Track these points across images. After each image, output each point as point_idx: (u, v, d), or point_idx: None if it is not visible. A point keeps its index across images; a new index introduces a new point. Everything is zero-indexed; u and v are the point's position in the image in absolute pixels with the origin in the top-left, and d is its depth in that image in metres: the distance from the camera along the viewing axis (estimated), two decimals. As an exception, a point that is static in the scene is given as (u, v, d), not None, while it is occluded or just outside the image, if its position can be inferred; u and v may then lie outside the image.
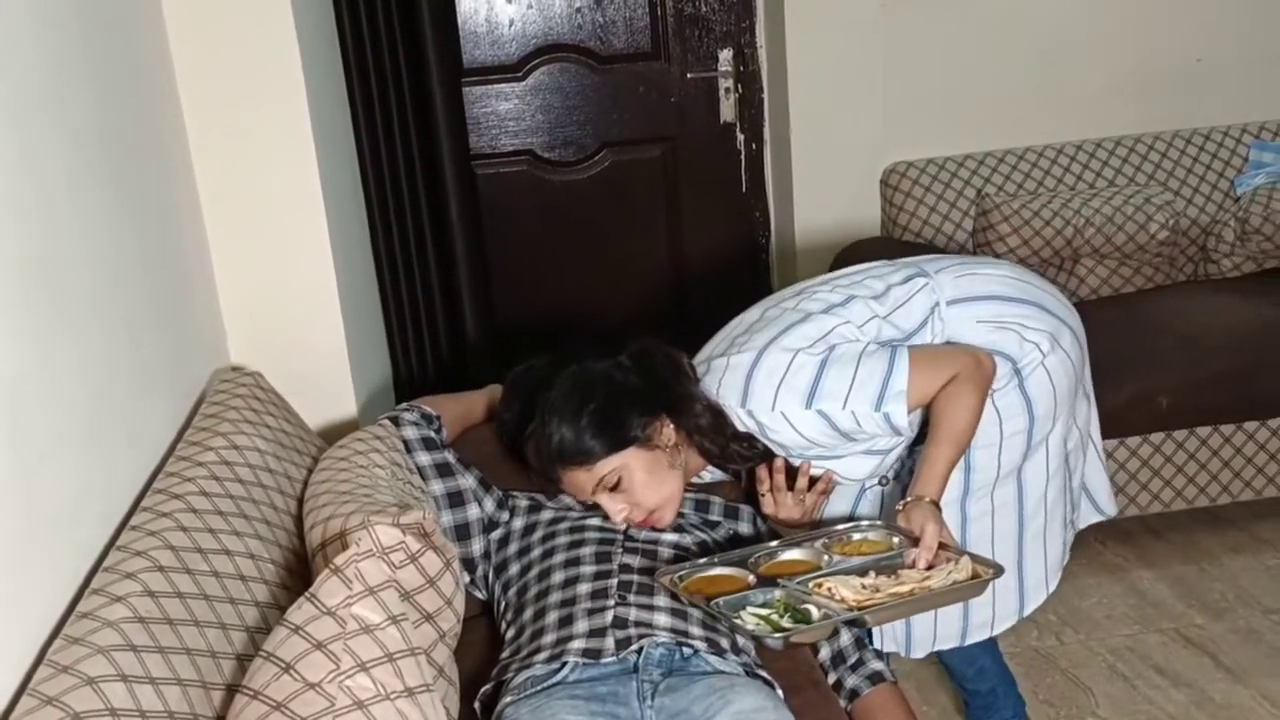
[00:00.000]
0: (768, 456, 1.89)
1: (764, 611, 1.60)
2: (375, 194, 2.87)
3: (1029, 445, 1.89)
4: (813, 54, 3.25)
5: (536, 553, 1.87)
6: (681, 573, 1.71)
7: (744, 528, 2.00)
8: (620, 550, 1.82)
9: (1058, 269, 3.21)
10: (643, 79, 3.43)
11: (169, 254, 1.95)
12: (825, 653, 1.88)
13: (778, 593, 1.64)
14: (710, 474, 2.04)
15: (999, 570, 1.65)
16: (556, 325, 3.54)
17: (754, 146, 3.51)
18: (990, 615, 1.96)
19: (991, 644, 2.11)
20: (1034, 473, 1.91)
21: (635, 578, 1.75)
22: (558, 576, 1.79)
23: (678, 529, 1.90)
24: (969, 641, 1.98)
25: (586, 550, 1.82)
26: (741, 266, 3.56)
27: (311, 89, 2.17)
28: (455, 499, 1.94)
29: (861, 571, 1.66)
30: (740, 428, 1.83)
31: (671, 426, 1.84)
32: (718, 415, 1.83)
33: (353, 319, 2.33)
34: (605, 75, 3.41)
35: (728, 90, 3.44)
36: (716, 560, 1.75)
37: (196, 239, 2.10)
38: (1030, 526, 1.93)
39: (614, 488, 1.80)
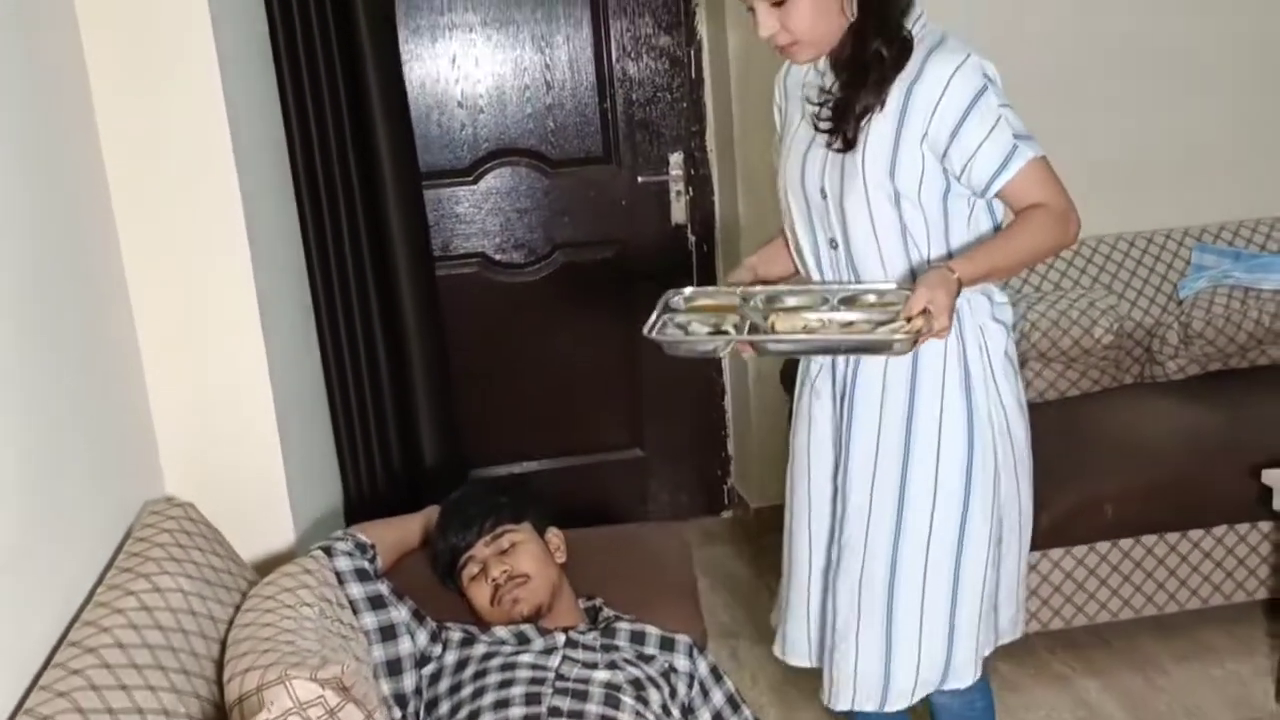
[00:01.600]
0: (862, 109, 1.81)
1: (705, 328, 1.80)
2: (325, 301, 2.87)
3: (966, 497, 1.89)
4: (762, 158, 3.28)
5: (467, 691, 1.85)
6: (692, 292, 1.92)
7: (680, 661, 1.98)
8: (551, 691, 1.80)
9: (1005, 372, 3.23)
10: (594, 183, 3.46)
11: (97, 380, 1.93)
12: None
13: (733, 318, 1.81)
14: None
15: (911, 341, 1.67)
16: (513, 428, 3.54)
17: (705, 248, 3.53)
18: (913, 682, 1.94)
19: None
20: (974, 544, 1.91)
21: (564, 720, 1.74)
22: (487, 718, 1.77)
23: (610, 665, 1.88)
24: (891, 706, 1.96)
25: (517, 690, 1.80)
26: (694, 365, 3.57)
27: (250, 195, 2.16)
28: (388, 633, 1.92)
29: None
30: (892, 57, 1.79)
31: None
32: None
33: (294, 443, 2.31)
34: (556, 179, 3.44)
35: (679, 193, 3.48)
36: (739, 291, 1.89)
37: (129, 363, 2.09)
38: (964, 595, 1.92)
39: (779, 4, 1.78)
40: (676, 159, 3.46)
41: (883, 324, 1.71)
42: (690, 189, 3.48)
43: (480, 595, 2.00)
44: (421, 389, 3.07)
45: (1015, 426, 1.94)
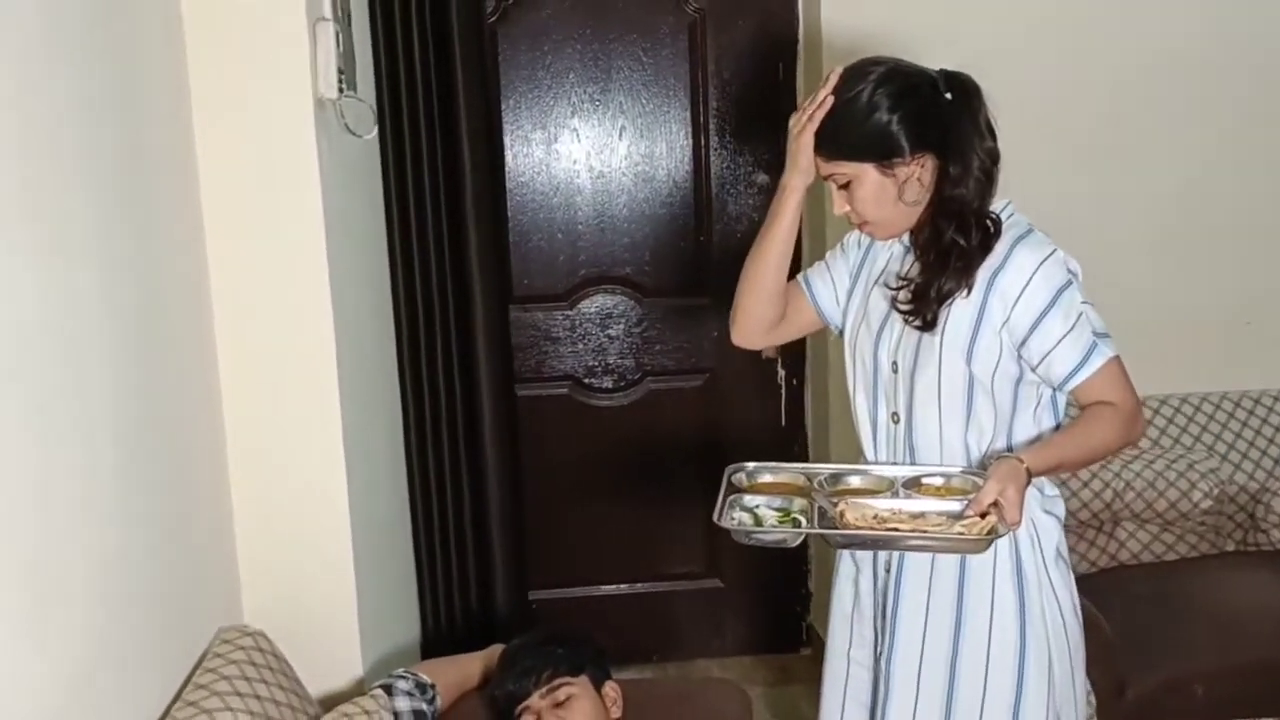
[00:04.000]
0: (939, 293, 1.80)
1: (774, 511, 1.78)
2: (415, 426, 2.94)
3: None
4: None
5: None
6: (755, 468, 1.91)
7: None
8: None
9: (1097, 530, 3.14)
10: (686, 313, 3.49)
11: (185, 502, 1.99)
12: None
13: (800, 502, 1.78)
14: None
15: (994, 535, 1.65)
16: (591, 550, 3.55)
17: (794, 382, 3.53)
18: None
19: None
20: None
21: None
22: None
23: None
24: None
25: None
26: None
27: (344, 327, 2.24)
28: (436, 776, 1.93)
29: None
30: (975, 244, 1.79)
31: (929, 166, 1.79)
32: (987, 180, 1.80)
33: (369, 574, 2.35)
34: (650, 307, 3.48)
35: (770, 327, 3.48)
36: (804, 469, 1.93)
37: (217, 487, 2.15)
38: None
39: (844, 187, 1.81)
40: (770, 293, 3.47)
41: (953, 515, 1.69)
42: (782, 323, 3.49)
43: None
44: (496, 519, 3.12)
45: (1070, 624, 1.88)
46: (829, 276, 2.02)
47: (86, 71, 1.70)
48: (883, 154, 1.77)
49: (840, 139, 1.78)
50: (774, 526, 1.74)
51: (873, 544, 1.75)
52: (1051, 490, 1.91)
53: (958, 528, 1.67)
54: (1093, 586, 2.99)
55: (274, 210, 2.14)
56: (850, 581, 1.98)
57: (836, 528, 1.71)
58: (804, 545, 3.49)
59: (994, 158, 1.83)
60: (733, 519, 1.77)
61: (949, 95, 1.80)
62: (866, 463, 1.93)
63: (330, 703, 2.04)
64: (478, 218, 3.02)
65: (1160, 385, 3.36)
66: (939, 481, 1.79)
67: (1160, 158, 3.33)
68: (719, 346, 3.50)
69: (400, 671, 2.06)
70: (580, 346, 3.48)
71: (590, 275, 3.46)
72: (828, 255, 2.05)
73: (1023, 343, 1.79)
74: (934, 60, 3.12)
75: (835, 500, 1.77)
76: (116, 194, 1.78)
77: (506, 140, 3.35)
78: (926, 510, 1.73)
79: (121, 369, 1.77)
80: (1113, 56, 3.27)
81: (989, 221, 1.82)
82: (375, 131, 2.40)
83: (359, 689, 2.19)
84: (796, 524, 1.74)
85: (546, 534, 3.48)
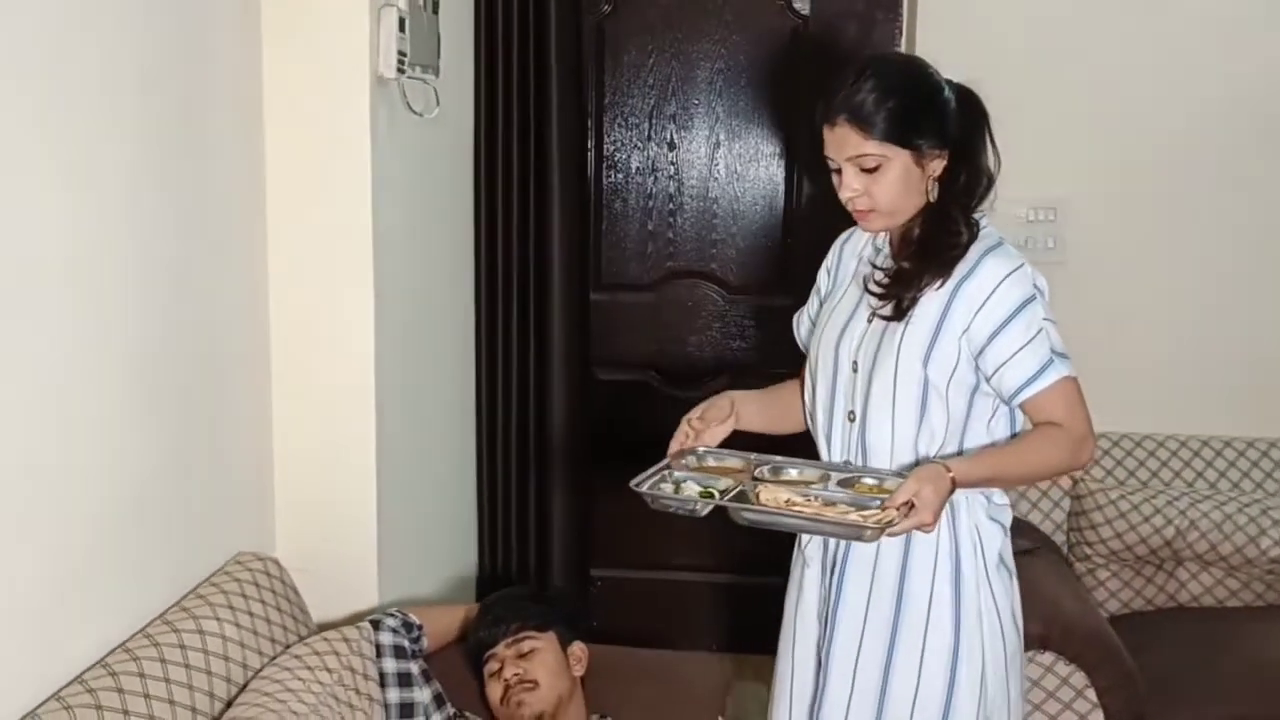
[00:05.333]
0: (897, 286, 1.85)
1: (698, 488, 1.85)
2: (486, 387, 3.13)
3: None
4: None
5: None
6: (704, 452, 1.96)
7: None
8: None
9: (1156, 568, 3.05)
10: (769, 310, 3.55)
11: (224, 448, 2.22)
12: None
13: (727, 482, 1.84)
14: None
15: (878, 531, 1.67)
16: (660, 537, 3.64)
17: (871, 389, 3.53)
18: None
19: None
20: None
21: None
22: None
23: None
24: None
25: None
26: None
27: (391, 291, 2.44)
28: (406, 710, 2.08)
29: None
30: (969, 237, 1.84)
31: (943, 164, 1.84)
32: (989, 186, 1.87)
33: (399, 521, 2.52)
34: (733, 303, 3.56)
35: (850, 332, 3.50)
36: (752, 458, 1.93)
37: (260, 440, 2.38)
38: None
39: (869, 170, 1.81)
40: (852, 299, 3.50)
41: (865, 510, 1.73)
42: (862, 330, 3.50)
43: (493, 692, 2.13)
44: (560, 495, 3.26)
45: (1008, 631, 1.88)
46: (807, 322, 2.08)
47: (165, 46, 1.96)
48: (923, 142, 1.81)
49: (888, 120, 1.79)
50: (686, 495, 1.81)
51: (771, 522, 1.79)
52: (1001, 499, 1.91)
53: (854, 515, 1.70)
54: (1140, 624, 2.93)
55: (329, 173, 2.35)
56: (796, 581, 2.02)
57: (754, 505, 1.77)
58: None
59: (995, 164, 1.89)
60: (661, 488, 1.85)
61: (953, 100, 1.85)
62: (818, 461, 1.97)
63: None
64: (563, 202, 3.18)
65: (1230, 427, 3.23)
66: (872, 481, 1.82)
67: (1235, 194, 3.23)
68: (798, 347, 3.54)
69: (393, 610, 2.22)
70: (662, 335, 3.59)
71: (677, 268, 3.56)
72: (808, 303, 2.11)
73: (980, 352, 1.81)
74: (1019, 81, 3.12)
75: (758, 484, 1.83)
76: (185, 146, 2.05)
77: (606, 129, 3.49)
78: (841, 501, 1.77)
79: (183, 315, 2.05)
80: (1174, 96, 3.20)
81: (976, 223, 1.86)
82: (437, 112, 2.56)
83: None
84: (711, 496, 1.80)
85: (616, 515, 3.58)
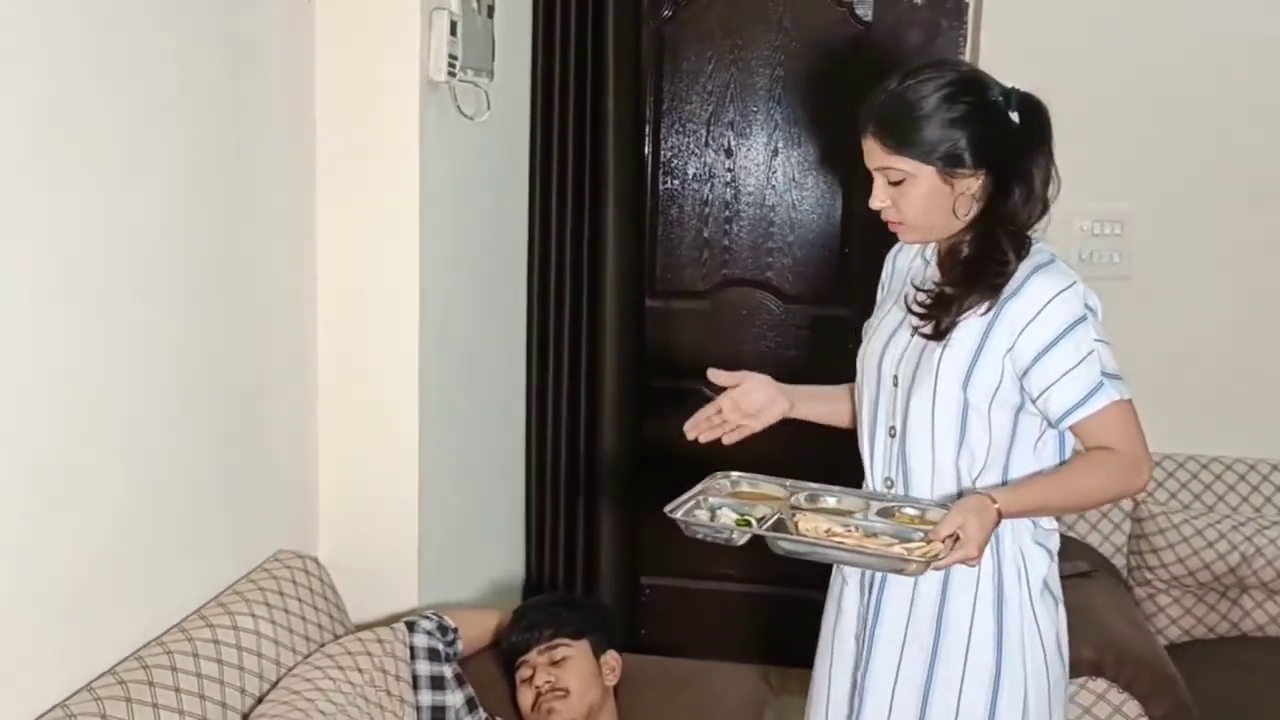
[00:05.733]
0: (941, 307, 1.78)
1: (734, 515, 1.79)
2: (537, 391, 3.13)
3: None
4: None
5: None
6: (738, 477, 1.94)
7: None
8: None
9: (1219, 595, 2.95)
10: (825, 323, 3.50)
11: (268, 449, 2.24)
12: None
13: (764, 509, 1.79)
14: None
15: (923, 565, 1.62)
16: (708, 548, 3.61)
17: (928, 404, 3.47)
18: None
19: None
20: None
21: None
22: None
23: None
24: None
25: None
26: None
27: (436, 289, 2.45)
28: (438, 713, 2.08)
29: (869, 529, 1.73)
30: (1016, 261, 1.75)
31: (978, 182, 1.75)
32: (1044, 207, 1.78)
33: (439, 523, 2.53)
34: (788, 313, 3.52)
35: (908, 345, 3.45)
36: (788, 485, 1.89)
37: (305, 441, 2.40)
38: None
39: (895, 183, 1.75)
40: (910, 311, 3.44)
41: (908, 543, 1.68)
42: (920, 343, 3.44)
43: (524, 698, 2.11)
44: (608, 501, 3.25)
45: (1052, 660, 1.82)
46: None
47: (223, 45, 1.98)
48: (950, 160, 1.74)
49: (912, 134, 1.73)
50: (723, 524, 1.76)
51: (811, 553, 1.72)
52: (1049, 523, 1.84)
53: (898, 548, 1.65)
54: (1201, 653, 2.84)
55: (378, 176, 2.37)
56: (835, 599, 1.98)
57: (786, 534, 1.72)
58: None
59: (1055, 183, 1.80)
60: (695, 515, 1.81)
61: (1016, 115, 1.77)
62: (865, 476, 1.93)
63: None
64: (618, 207, 3.17)
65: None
66: (913, 512, 1.77)
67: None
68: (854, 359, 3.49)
69: (429, 613, 2.22)
70: (716, 344, 3.55)
71: (733, 275, 3.53)
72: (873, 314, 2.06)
73: (1025, 373, 1.75)
74: (1085, 89, 3.04)
75: (796, 512, 1.79)
76: (236, 147, 2.08)
77: (664, 135, 3.47)
78: (882, 533, 1.71)
79: (230, 316, 2.09)
80: (1248, 107, 3.10)
81: (1027, 241, 1.80)
82: (488, 115, 2.56)
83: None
84: (748, 525, 1.76)
85: (666, 523, 3.55)
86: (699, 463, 3.52)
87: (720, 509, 1.82)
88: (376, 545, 2.45)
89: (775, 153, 3.46)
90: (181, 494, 1.97)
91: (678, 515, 1.80)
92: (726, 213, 3.51)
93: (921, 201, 1.77)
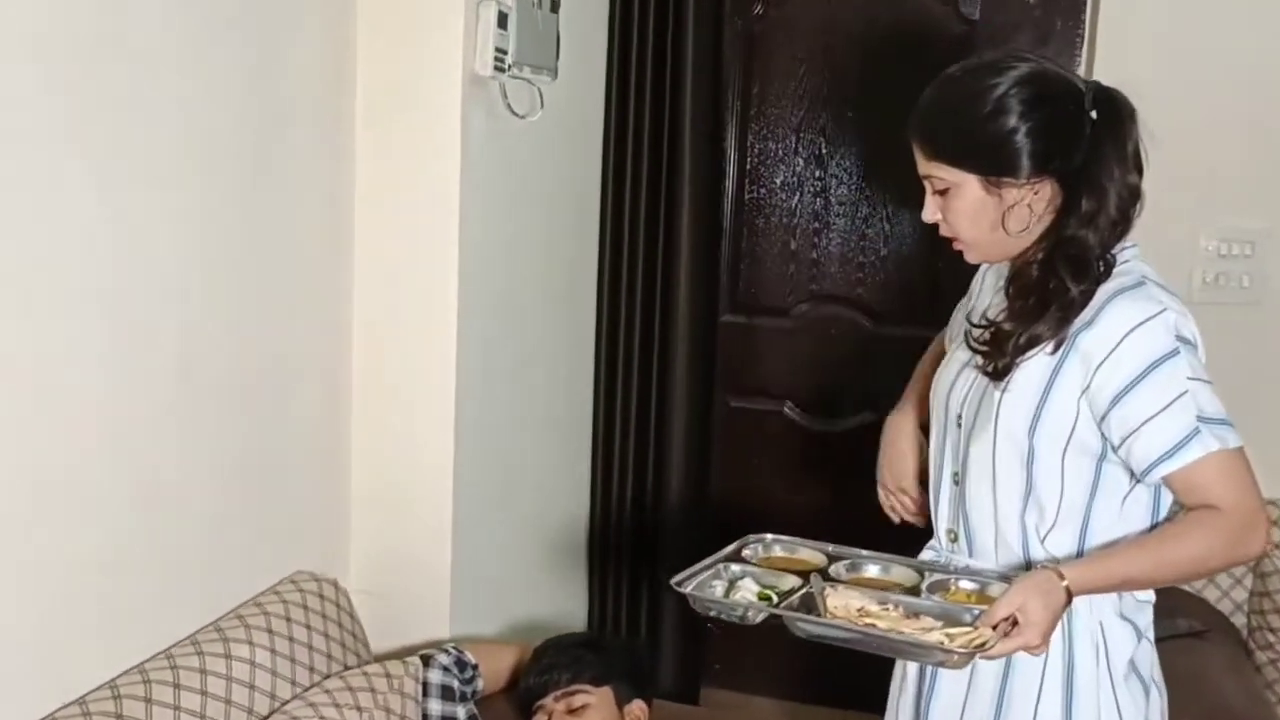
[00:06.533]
0: (1022, 343, 1.52)
1: (756, 589, 1.56)
2: (605, 410, 2.97)
3: None
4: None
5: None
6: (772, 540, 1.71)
7: None
8: None
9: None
10: (914, 341, 3.24)
11: (291, 466, 2.14)
12: None
13: (794, 580, 1.56)
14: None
15: (967, 656, 1.38)
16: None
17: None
18: None
19: None
20: None
21: None
22: None
23: None
24: None
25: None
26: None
27: (476, 303, 2.31)
28: (445, 757, 1.91)
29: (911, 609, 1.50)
30: (1078, 288, 1.50)
31: (1042, 194, 1.53)
32: (1123, 221, 1.52)
33: (472, 556, 2.37)
34: (876, 332, 3.28)
35: (1006, 369, 3.18)
36: (830, 550, 1.67)
37: (337, 461, 2.28)
38: None
39: (940, 192, 1.58)
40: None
41: (957, 623, 1.44)
42: (1021, 368, 3.17)
43: None
44: (673, 525, 3.06)
45: None
46: None
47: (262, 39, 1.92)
48: (993, 167, 1.51)
49: (946, 137, 1.53)
50: (737, 600, 1.52)
51: (835, 637, 1.48)
52: (1143, 594, 1.58)
53: (938, 635, 1.41)
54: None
55: (417, 174, 2.23)
56: (900, 663, 1.75)
57: (812, 614, 1.48)
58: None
59: (1135, 195, 1.55)
60: (711, 587, 1.58)
61: (1094, 113, 1.52)
62: (933, 524, 1.69)
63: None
64: (692, 217, 2.99)
65: None
66: (970, 586, 1.53)
67: None
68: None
69: (449, 646, 2.07)
70: (801, 363, 3.34)
71: (820, 291, 3.31)
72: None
73: (1103, 417, 1.50)
74: (1211, 98, 2.73)
75: (828, 586, 1.55)
76: (274, 145, 1.99)
77: (750, 141, 3.27)
78: (927, 613, 1.48)
79: (264, 326, 2.00)
80: None
81: (1109, 259, 1.54)
82: (540, 114, 2.40)
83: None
84: (768, 601, 1.53)
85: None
86: (777, 488, 3.33)
87: (742, 579, 1.59)
88: (408, 570, 2.30)
89: (870, 161, 3.23)
90: (188, 510, 1.85)
91: (686, 589, 1.56)
92: (815, 224, 3.29)
93: (967, 214, 1.55)
